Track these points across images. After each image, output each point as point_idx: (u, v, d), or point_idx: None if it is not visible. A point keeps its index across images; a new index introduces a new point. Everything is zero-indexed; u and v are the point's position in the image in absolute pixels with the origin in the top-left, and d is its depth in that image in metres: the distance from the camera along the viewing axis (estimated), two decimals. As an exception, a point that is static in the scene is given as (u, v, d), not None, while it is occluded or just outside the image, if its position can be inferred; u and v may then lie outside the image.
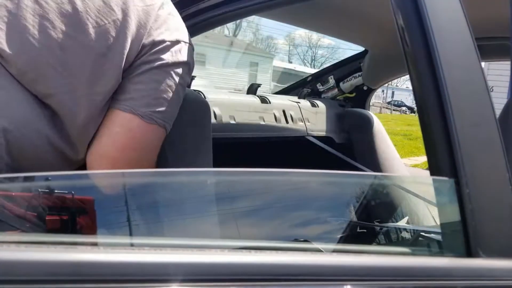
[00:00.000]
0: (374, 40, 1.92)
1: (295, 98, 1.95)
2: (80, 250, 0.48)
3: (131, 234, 0.67)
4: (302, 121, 1.81)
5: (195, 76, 1.49)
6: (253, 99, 1.69)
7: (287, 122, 1.73)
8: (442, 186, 0.64)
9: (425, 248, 0.77)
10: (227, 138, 1.46)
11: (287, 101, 1.85)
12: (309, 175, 0.67)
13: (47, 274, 0.44)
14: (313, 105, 1.95)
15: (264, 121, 1.63)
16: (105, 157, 0.80)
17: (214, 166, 1.03)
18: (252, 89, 1.82)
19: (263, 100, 1.71)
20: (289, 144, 1.80)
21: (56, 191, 0.60)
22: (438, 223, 0.66)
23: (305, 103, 1.93)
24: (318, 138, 1.87)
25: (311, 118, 1.88)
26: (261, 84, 1.96)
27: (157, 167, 0.92)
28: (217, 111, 1.42)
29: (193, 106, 1.01)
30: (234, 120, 1.49)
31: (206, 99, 1.40)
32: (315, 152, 1.83)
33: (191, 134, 0.99)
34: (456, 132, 0.62)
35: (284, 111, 1.74)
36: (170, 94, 0.83)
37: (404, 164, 2.34)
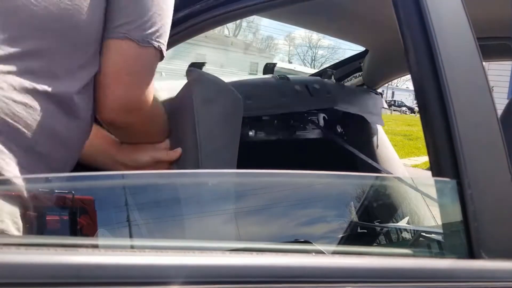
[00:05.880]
0: (374, 40, 1.91)
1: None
2: (81, 252, 0.47)
3: (131, 235, 0.67)
4: (329, 93, 1.71)
5: (205, 63, 1.43)
6: (270, 78, 1.61)
7: (311, 95, 1.63)
8: (444, 187, 0.64)
9: (427, 249, 0.77)
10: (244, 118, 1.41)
11: (309, 77, 1.79)
12: (310, 176, 0.66)
13: (47, 276, 0.44)
14: (340, 84, 1.88)
15: (284, 96, 1.54)
16: (104, 84, 0.79)
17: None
18: (269, 69, 1.71)
19: (281, 77, 1.63)
20: (307, 146, 1.76)
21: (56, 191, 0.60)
22: (440, 224, 0.66)
23: (329, 81, 1.86)
24: (349, 115, 1.79)
25: (339, 94, 1.78)
26: (276, 63, 1.83)
27: (185, 163, 0.91)
28: None
29: (227, 100, 0.99)
30: (250, 99, 1.40)
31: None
32: (335, 154, 1.77)
33: (221, 131, 0.97)
34: (458, 133, 0.62)
35: (306, 86, 1.64)
36: (160, 6, 0.79)
37: (403, 165, 2.33)
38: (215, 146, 0.94)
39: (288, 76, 1.66)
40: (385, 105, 2.00)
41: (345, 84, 2.16)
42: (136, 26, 0.78)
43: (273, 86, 1.56)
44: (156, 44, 0.79)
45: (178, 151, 0.93)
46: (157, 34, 0.80)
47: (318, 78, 1.81)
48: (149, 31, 0.78)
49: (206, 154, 0.91)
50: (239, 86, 1.36)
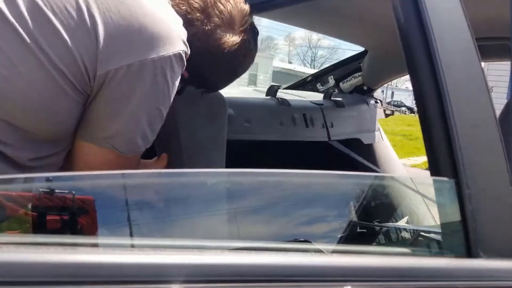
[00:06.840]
0: (374, 40, 1.92)
1: (319, 100, 1.89)
2: (80, 251, 0.48)
3: (131, 235, 0.67)
4: (323, 126, 1.73)
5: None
6: (271, 101, 1.64)
7: (306, 126, 1.66)
8: (443, 187, 0.64)
9: (425, 248, 0.77)
10: (240, 141, 1.41)
11: (309, 104, 1.79)
12: (310, 175, 0.66)
13: (46, 275, 0.44)
14: (339, 105, 1.88)
15: (281, 124, 1.56)
16: None
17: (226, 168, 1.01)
18: (272, 91, 1.74)
19: (282, 102, 1.65)
20: (307, 149, 1.76)
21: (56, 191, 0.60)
22: (439, 223, 0.66)
23: (329, 104, 1.85)
24: (343, 141, 1.80)
25: (336, 120, 1.79)
26: (280, 86, 1.85)
27: (171, 161, 0.91)
28: (231, 112, 1.34)
29: (209, 101, 0.99)
30: (249, 123, 1.43)
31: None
32: (335, 157, 1.77)
33: (206, 129, 0.97)
34: (456, 133, 0.62)
35: (304, 115, 1.67)
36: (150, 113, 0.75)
37: (402, 165, 2.34)
38: (199, 147, 0.95)
39: (287, 100, 1.69)
40: (385, 105, 2.01)
41: (345, 84, 2.16)
42: (122, 141, 0.75)
43: (273, 111, 1.58)
44: (142, 148, 0.77)
45: (164, 156, 0.93)
46: (146, 141, 0.77)
47: (317, 106, 1.80)
48: (137, 143, 0.76)
49: (189, 155, 0.91)
50: (239, 105, 1.37)
